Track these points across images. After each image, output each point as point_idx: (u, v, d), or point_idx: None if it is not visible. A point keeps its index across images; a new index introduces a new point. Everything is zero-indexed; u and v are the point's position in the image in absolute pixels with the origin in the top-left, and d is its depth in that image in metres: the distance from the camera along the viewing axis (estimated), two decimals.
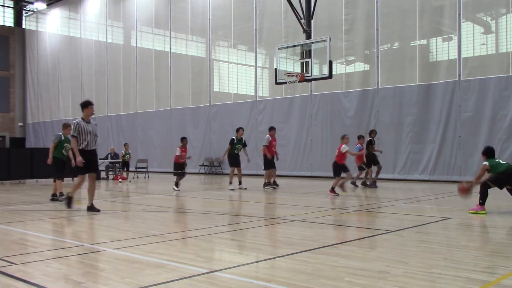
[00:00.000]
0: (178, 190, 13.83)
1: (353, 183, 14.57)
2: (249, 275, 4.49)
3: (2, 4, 35.73)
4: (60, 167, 11.46)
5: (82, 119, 9.17)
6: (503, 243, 6.00)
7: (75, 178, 19.88)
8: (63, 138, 11.50)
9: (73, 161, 11.04)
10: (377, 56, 18.08)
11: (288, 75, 14.67)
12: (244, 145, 14.50)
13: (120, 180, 19.13)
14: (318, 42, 14.69)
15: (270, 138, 14.48)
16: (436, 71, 17.11)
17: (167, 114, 25.65)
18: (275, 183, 14.71)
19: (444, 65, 17.04)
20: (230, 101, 23.10)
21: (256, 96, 22.00)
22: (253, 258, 5.37)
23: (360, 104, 18.53)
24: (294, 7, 15.21)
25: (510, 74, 15.45)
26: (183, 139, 14.32)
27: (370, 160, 14.50)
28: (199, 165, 23.67)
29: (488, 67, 16.03)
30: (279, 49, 15.57)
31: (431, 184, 15.94)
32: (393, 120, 17.70)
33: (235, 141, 14.33)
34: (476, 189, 8.86)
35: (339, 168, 12.17)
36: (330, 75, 14.49)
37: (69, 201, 9.50)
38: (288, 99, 20.72)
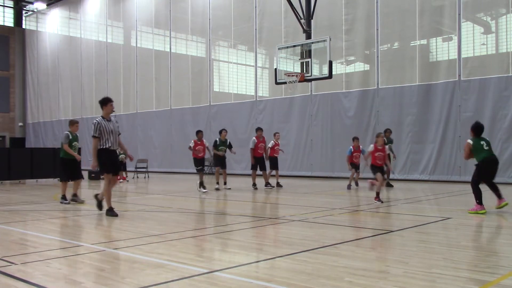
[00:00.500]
0: (206, 191, 13.31)
1: (356, 183, 14.52)
2: (249, 275, 4.49)
3: (2, 4, 35.73)
4: (69, 167, 10.86)
5: (102, 117, 8.63)
6: (503, 243, 6.00)
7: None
8: (70, 136, 10.87)
9: (76, 158, 10.97)
10: (377, 56, 18.08)
11: (288, 75, 14.67)
12: (229, 146, 14.44)
13: (120, 180, 19.07)
14: (318, 42, 14.69)
15: (256, 141, 14.50)
16: (436, 71, 17.11)
17: (167, 114, 25.65)
18: (268, 184, 14.65)
19: (444, 65, 17.04)
20: (230, 101, 23.10)
21: (256, 96, 22.00)
22: (253, 258, 5.37)
23: (360, 104, 18.53)
24: (294, 7, 15.21)
25: (510, 74, 15.45)
26: (198, 132, 14.01)
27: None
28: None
29: (488, 67, 16.03)
30: (279, 49, 15.57)
31: (431, 184, 15.94)
32: (393, 120, 17.69)
33: (218, 143, 14.33)
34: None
35: (376, 169, 10.78)
36: (330, 75, 14.48)
37: (100, 204, 8.96)
38: (288, 99, 20.72)
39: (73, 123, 11.20)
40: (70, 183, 11.03)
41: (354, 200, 11.43)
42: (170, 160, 25.24)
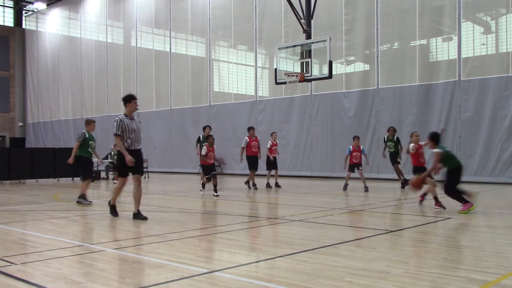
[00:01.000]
0: (217, 195, 12.32)
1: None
2: (249, 275, 4.49)
3: (2, 4, 35.73)
4: (87, 166, 10.73)
5: (125, 115, 8.17)
6: (503, 243, 6.00)
7: (75, 179, 19.92)
8: (87, 135, 10.65)
9: (99, 160, 10.85)
10: (377, 56, 18.08)
11: (288, 75, 14.67)
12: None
13: (115, 181, 18.89)
14: (318, 42, 14.69)
15: (248, 140, 14.50)
16: (436, 71, 17.11)
17: (167, 114, 25.64)
18: (254, 185, 14.59)
19: (444, 65, 17.04)
20: (230, 101, 23.10)
21: (256, 96, 21.99)
22: (253, 258, 5.37)
23: (360, 104, 18.53)
24: (294, 7, 15.21)
25: (510, 74, 15.45)
26: (209, 137, 13.17)
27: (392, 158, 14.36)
28: (199, 165, 23.63)
29: (488, 67, 16.03)
30: (279, 49, 15.57)
31: None
32: (393, 120, 17.67)
33: (201, 139, 14.29)
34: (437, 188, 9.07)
35: (420, 171, 10.25)
36: (330, 75, 14.48)
37: (113, 210, 8.56)
38: (288, 99, 20.72)
39: (89, 122, 10.92)
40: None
41: (354, 200, 11.43)
42: (170, 160, 25.24)
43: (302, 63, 14.55)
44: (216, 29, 23.77)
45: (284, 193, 13.33)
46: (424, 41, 17.79)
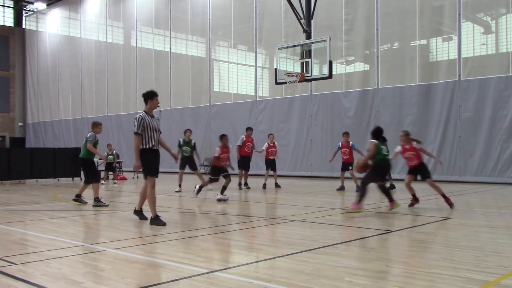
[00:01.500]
0: (227, 198, 11.25)
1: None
2: (249, 275, 4.49)
3: (2, 4, 35.73)
4: (93, 168, 10.64)
5: (145, 112, 7.71)
6: (503, 243, 6.00)
7: (75, 179, 19.93)
8: (96, 137, 10.59)
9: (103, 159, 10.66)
10: (377, 56, 18.08)
11: (288, 75, 14.66)
12: (194, 147, 14.22)
13: (115, 181, 18.79)
14: (318, 42, 14.68)
15: (244, 139, 14.52)
16: (436, 71, 17.11)
17: (167, 114, 25.63)
18: (246, 184, 14.63)
19: (444, 65, 17.04)
20: (230, 101, 23.10)
21: (256, 96, 21.99)
22: (253, 258, 5.37)
23: (360, 104, 18.53)
24: (294, 7, 15.20)
25: (510, 74, 15.45)
26: (223, 137, 12.01)
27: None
28: (199, 165, 23.62)
29: (488, 67, 16.03)
30: (279, 49, 15.57)
31: None
32: (393, 120, 17.68)
33: (181, 143, 14.19)
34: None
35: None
36: (330, 75, 14.48)
37: (141, 215, 8.12)
38: (288, 99, 20.72)
39: (97, 124, 10.80)
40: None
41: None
42: (170, 160, 25.11)
43: (302, 63, 14.55)
44: (216, 29, 23.77)
45: (284, 193, 13.33)
46: (424, 41, 17.79)
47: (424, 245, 5.85)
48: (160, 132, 7.92)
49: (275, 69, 15.38)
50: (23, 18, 36.55)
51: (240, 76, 23.53)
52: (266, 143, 14.99)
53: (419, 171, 9.80)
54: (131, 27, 27.85)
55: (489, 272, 4.50)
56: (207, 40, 23.98)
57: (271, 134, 15.51)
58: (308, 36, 14.97)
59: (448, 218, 8.01)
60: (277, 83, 15.53)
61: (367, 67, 19.39)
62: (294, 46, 15.26)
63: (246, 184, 14.63)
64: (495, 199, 11.64)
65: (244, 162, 14.53)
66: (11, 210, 9.73)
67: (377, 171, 9.04)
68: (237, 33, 22.99)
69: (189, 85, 24.66)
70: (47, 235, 6.79)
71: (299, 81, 14.69)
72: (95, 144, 10.50)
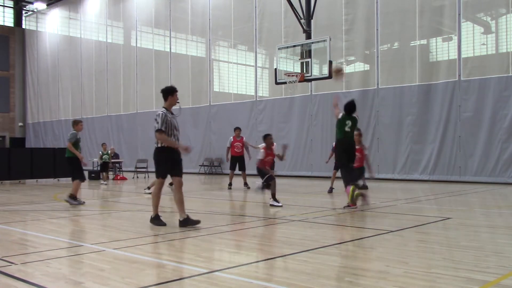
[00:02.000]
0: (281, 205, 9.85)
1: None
2: (249, 275, 4.49)
3: (2, 4, 35.74)
4: (79, 167, 10.60)
5: (166, 109, 7.36)
6: (503, 243, 6.00)
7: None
8: (78, 136, 10.64)
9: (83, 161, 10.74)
10: (377, 56, 18.08)
11: (288, 75, 14.67)
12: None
13: (104, 182, 18.33)
14: (318, 42, 14.69)
15: (232, 140, 14.68)
16: (436, 71, 17.11)
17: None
18: (245, 184, 14.64)
19: (444, 65, 17.04)
20: (230, 101, 23.10)
21: (256, 96, 22.00)
22: (253, 258, 5.37)
23: (360, 104, 18.47)
24: (294, 7, 15.21)
25: (510, 74, 15.45)
26: (267, 137, 10.76)
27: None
28: (199, 165, 23.67)
29: (488, 67, 16.03)
30: (279, 49, 15.57)
31: (431, 184, 15.94)
32: (393, 120, 17.69)
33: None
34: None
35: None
36: (330, 75, 14.48)
37: (158, 219, 7.44)
38: (288, 99, 20.72)
39: (78, 122, 10.87)
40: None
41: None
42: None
43: (302, 63, 14.56)
44: (216, 29, 23.77)
45: (284, 193, 13.32)
46: (424, 41, 17.80)
47: (424, 245, 5.85)
48: (178, 131, 7.52)
49: (275, 69, 15.39)
50: (23, 18, 36.55)
51: (240, 76, 23.53)
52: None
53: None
54: (131, 27, 27.85)
55: (489, 272, 4.50)
56: (207, 40, 23.98)
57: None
58: (308, 36, 14.97)
59: (448, 218, 8.01)
60: (277, 83, 15.54)
61: (367, 67, 19.39)
62: (294, 46, 15.27)
63: (245, 184, 14.64)
64: (495, 199, 11.64)
65: (234, 163, 14.66)
66: (11, 210, 9.73)
67: (339, 147, 9.15)
68: (237, 33, 22.99)
69: (189, 85, 24.65)
70: (47, 235, 6.79)
71: (299, 81, 14.70)
72: (76, 142, 10.53)
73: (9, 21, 36.08)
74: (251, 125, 21.69)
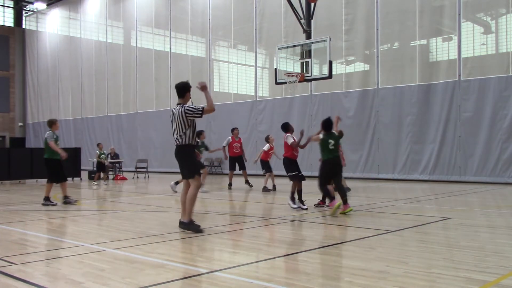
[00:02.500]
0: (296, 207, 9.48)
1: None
2: (249, 275, 4.49)
3: (2, 4, 35.73)
4: (58, 168, 10.52)
5: (182, 106, 7.12)
6: (503, 243, 6.00)
7: (75, 178, 19.92)
8: (55, 136, 10.54)
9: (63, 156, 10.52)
10: (377, 56, 18.08)
11: (288, 75, 14.65)
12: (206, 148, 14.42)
13: (95, 182, 18.11)
14: (318, 42, 14.68)
15: (230, 140, 14.76)
16: (436, 71, 17.11)
17: (167, 114, 25.59)
18: (247, 182, 14.78)
19: (444, 65, 17.04)
20: (230, 101, 23.10)
21: (256, 96, 21.99)
22: (253, 258, 5.37)
23: (360, 104, 18.53)
24: (294, 7, 15.20)
25: (510, 74, 15.45)
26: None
27: None
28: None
29: (488, 67, 16.03)
30: (279, 49, 15.56)
31: (431, 184, 15.94)
32: (393, 120, 17.69)
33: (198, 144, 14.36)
34: None
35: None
36: (330, 75, 14.48)
37: (192, 224, 6.89)
38: (288, 99, 20.72)
39: (54, 122, 10.76)
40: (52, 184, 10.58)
41: (354, 200, 11.42)
42: (170, 160, 25.10)
43: (302, 63, 14.54)
44: (216, 29, 23.77)
45: (284, 193, 13.32)
46: (424, 41, 17.79)
47: (424, 245, 5.85)
48: None
49: (275, 69, 15.38)
50: (23, 18, 36.54)
51: (240, 76, 23.53)
52: (268, 145, 14.93)
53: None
54: (131, 27, 27.85)
55: (489, 272, 4.50)
56: (207, 40, 23.98)
57: (270, 135, 15.44)
58: (308, 36, 14.96)
59: (448, 218, 8.01)
60: (277, 83, 15.53)
61: (367, 67, 19.38)
62: (294, 46, 15.25)
63: (247, 182, 14.73)
64: (495, 199, 11.64)
65: (234, 163, 14.75)
66: (11, 210, 9.73)
67: (326, 168, 8.89)
68: (237, 33, 22.99)
69: None
70: (47, 235, 6.79)
71: (299, 81, 14.68)
72: (56, 141, 10.46)
73: (9, 21, 36.07)
74: (251, 125, 21.69)
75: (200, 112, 7.00)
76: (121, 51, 28.61)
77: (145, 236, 6.51)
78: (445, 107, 16.57)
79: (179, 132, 6.98)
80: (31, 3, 34.37)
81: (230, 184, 14.70)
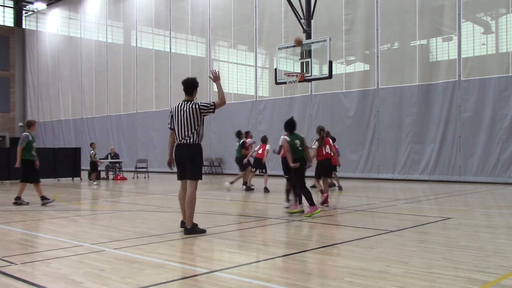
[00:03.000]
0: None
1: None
2: (249, 275, 4.49)
3: (2, 4, 35.73)
4: (33, 170, 10.67)
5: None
6: (503, 243, 6.00)
7: (75, 178, 19.92)
8: (30, 138, 10.63)
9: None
10: (377, 56, 18.08)
11: (288, 75, 14.65)
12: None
13: (94, 182, 17.98)
14: (318, 42, 14.68)
15: (251, 141, 14.56)
16: (436, 71, 17.12)
17: (167, 114, 25.60)
18: (246, 183, 14.58)
19: (444, 65, 17.04)
20: (230, 101, 23.07)
21: (256, 96, 22.00)
22: (253, 258, 5.37)
23: (360, 104, 18.53)
24: (294, 7, 15.20)
25: (510, 74, 15.46)
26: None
27: None
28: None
29: (488, 67, 16.03)
30: (279, 49, 15.56)
31: (431, 184, 15.94)
32: (393, 120, 17.69)
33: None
34: None
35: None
36: (330, 75, 14.48)
37: (196, 230, 6.71)
38: (288, 99, 20.72)
39: (32, 124, 10.83)
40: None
41: (354, 200, 11.43)
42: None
43: (302, 63, 14.54)
44: (216, 29, 23.77)
45: (284, 193, 13.30)
46: (424, 41, 17.80)
47: (424, 245, 5.85)
48: None
49: (275, 69, 15.38)
50: (23, 18, 36.54)
51: (240, 76, 23.53)
52: (268, 145, 14.87)
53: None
54: (131, 27, 27.85)
55: (489, 272, 4.50)
56: (207, 40, 23.98)
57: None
58: (308, 36, 14.96)
59: (448, 218, 8.01)
60: (277, 83, 15.53)
61: (367, 67, 19.39)
62: (294, 46, 15.25)
63: (246, 183, 14.64)
64: (495, 199, 11.64)
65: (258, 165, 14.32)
66: (11, 210, 9.73)
67: (300, 169, 8.59)
68: (237, 33, 22.99)
69: None
70: (47, 235, 6.79)
71: (299, 81, 14.68)
72: (29, 144, 10.51)
73: (9, 21, 36.07)
74: (251, 125, 21.68)
75: (213, 108, 6.74)
76: (121, 51, 28.61)
77: (145, 236, 6.51)
78: (445, 107, 16.57)
79: (191, 129, 6.69)
80: (31, 3, 34.37)
81: (251, 185, 14.35)
